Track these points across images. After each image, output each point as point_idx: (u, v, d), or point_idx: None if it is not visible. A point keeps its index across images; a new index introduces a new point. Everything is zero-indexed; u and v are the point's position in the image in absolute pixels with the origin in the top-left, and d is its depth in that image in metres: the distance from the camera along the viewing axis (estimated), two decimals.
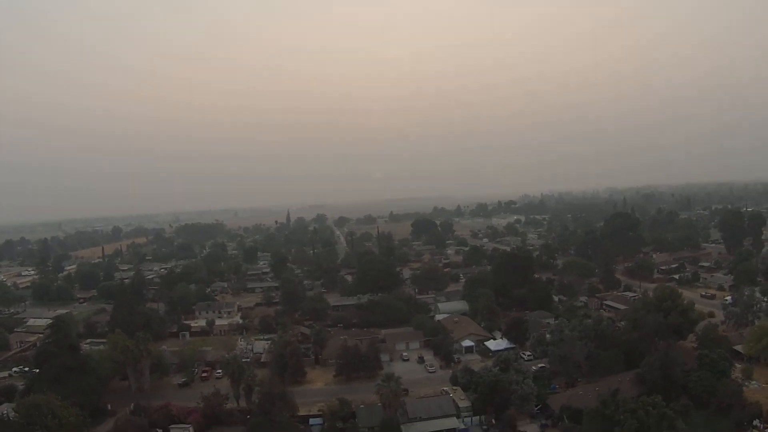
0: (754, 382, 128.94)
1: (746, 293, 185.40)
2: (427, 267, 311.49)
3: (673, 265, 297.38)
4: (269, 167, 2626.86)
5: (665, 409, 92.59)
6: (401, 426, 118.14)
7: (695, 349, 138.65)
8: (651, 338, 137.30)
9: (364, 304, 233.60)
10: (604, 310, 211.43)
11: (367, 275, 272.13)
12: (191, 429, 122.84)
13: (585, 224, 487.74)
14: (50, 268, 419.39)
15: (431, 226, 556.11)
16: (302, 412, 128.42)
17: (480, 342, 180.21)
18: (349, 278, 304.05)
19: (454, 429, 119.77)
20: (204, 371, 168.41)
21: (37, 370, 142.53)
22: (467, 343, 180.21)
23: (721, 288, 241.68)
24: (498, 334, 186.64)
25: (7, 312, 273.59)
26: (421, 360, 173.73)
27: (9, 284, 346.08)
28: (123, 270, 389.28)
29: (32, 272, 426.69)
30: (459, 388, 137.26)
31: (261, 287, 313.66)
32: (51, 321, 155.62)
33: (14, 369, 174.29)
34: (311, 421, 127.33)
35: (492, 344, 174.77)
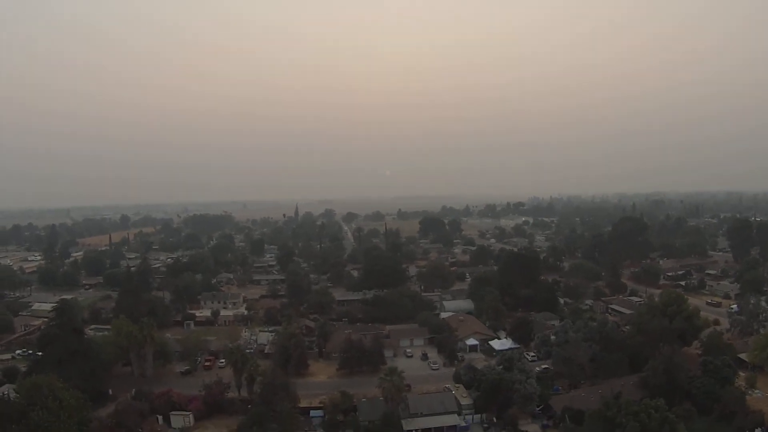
0: (757, 390, 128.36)
1: (752, 302, 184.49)
2: (434, 265, 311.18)
3: (680, 272, 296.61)
4: (279, 160, 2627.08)
5: (668, 412, 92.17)
6: (402, 421, 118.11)
7: (699, 356, 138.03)
8: (655, 343, 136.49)
9: (369, 300, 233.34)
10: (610, 313, 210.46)
11: (373, 270, 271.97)
12: (192, 416, 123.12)
13: (593, 228, 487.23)
14: (57, 254, 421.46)
15: (439, 225, 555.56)
16: (304, 404, 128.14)
17: (484, 341, 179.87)
18: (355, 273, 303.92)
19: (455, 426, 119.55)
20: (207, 360, 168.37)
21: (41, 353, 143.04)
22: (471, 341, 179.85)
23: (727, 296, 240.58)
24: (503, 333, 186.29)
25: (12, 296, 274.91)
26: (424, 357, 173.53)
27: (15, 268, 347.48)
28: (130, 258, 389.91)
29: (39, 257, 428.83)
30: (461, 386, 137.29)
31: (267, 280, 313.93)
32: (55, 304, 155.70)
33: (18, 352, 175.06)
34: (312, 413, 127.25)
35: (496, 344, 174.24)
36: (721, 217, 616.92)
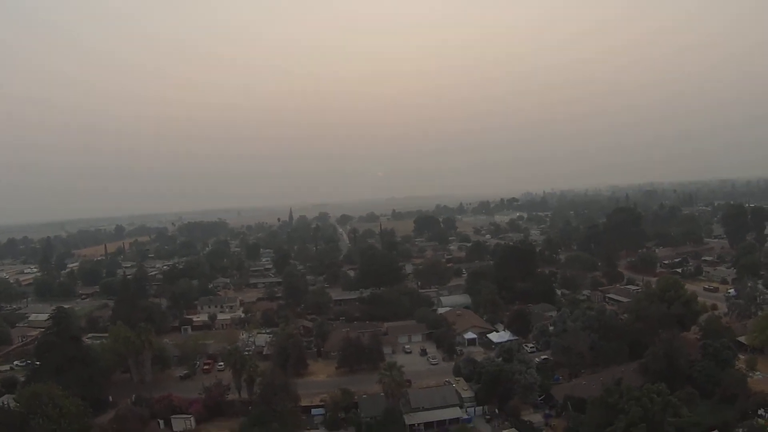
0: (758, 372, 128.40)
1: (749, 285, 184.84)
2: (430, 261, 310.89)
3: (676, 260, 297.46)
4: (271, 166, 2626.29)
5: (670, 396, 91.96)
6: (404, 416, 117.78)
7: (698, 340, 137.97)
8: (654, 329, 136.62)
9: (366, 298, 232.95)
10: (607, 303, 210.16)
11: (369, 269, 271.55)
12: (192, 419, 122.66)
13: (587, 220, 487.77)
14: (53, 266, 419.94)
15: (434, 223, 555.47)
16: (304, 403, 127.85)
17: (482, 334, 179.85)
18: (351, 274, 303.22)
19: (458, 419, 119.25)
20: (206, 364, 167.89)
21: (39, 362, 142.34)
22: (470, 335, 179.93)
23: (724, 281, 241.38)
24: (501, 326, 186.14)
25: (9, 308, 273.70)
26: (423, 352, 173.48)
27: (11, 281, 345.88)
28: (126, 267, 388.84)
29: (35, 270, 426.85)
30: (461, 379, 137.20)
31: (263, 283, 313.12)
32: (52, 312, 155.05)
33: (16, 362, 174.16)
34: (313, 411, 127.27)
35: (495, 336, 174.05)
36: (715, 204, 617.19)
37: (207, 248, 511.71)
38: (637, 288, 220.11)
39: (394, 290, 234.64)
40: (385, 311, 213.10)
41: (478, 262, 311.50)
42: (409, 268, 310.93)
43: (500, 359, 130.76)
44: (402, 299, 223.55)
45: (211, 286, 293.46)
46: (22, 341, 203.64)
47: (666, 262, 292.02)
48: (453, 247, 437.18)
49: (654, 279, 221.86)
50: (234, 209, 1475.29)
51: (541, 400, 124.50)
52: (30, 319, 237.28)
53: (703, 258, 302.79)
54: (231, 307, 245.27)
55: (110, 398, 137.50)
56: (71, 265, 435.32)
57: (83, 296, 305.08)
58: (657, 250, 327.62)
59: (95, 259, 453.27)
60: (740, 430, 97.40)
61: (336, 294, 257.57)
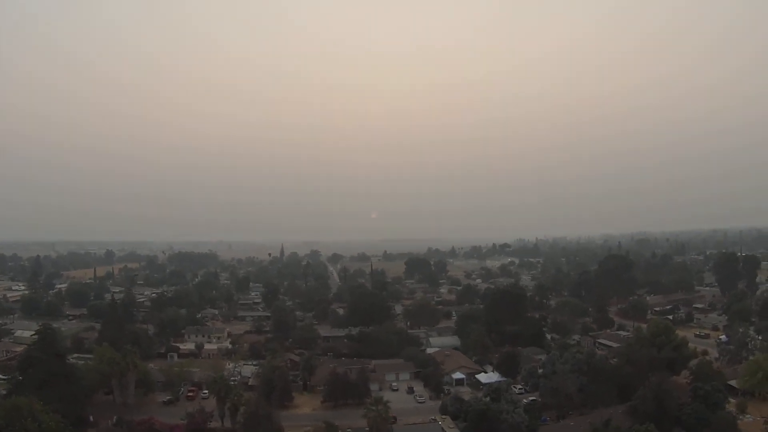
0: (748, 415, 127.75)
1: (740, 330, 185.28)
2: (420, 302, 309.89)
3: (667, 306, 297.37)
4: (264, 201, 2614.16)
5: None
6: None
7: (689, 384, 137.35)
8: (644, 372, 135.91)
9: (355, 335, 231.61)
10: (598, 348, 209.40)
11: (358, 307, 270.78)
12: None
13: (579, 267, 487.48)
14: (41, 284, 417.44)
15: (425, 266, 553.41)
16: None
17: (471, 375, 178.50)
18: (340, 311, 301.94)
19: None
20: (190, 391, 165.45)
21: (21, 377, 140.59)
22: (458, 375, 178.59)
23: (715, 328, 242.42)
24: (489, 368, 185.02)
25: None
26: (410, 390, 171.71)
27: None
28: (114, 292, 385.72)
29: (22, 287, 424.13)
30: (448, 417, 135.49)
31: (252, 316, 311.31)
32: (38, 328, 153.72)
33: None
34: None
35: (483, 377, 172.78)
36: (707, 253, 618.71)
37: (196, 279, 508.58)
38: (628, 333, 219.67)
39: (382, 329, 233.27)
40: (373, 349, 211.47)
41: (468, 305, 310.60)
42: (398, 309, 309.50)
43: (488, 398, 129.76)
44: (390, 338, 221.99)
45: (199, 316, 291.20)
46: (6, 356, 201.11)
47: (657, 309, 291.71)
48: (443, 290, 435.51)
49: (645, 326, 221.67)
50: (225, 242, 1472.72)
51: None
52: (15, 335, 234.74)
53: (694, 305, 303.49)
54: (218, 338, 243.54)
55: (91, 418, 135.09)
56: (59, 286, 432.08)
57: (70, 317, 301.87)
58: (648, 298, 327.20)
59: (84, 282, 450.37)
60: None
61: (324, 331, 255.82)
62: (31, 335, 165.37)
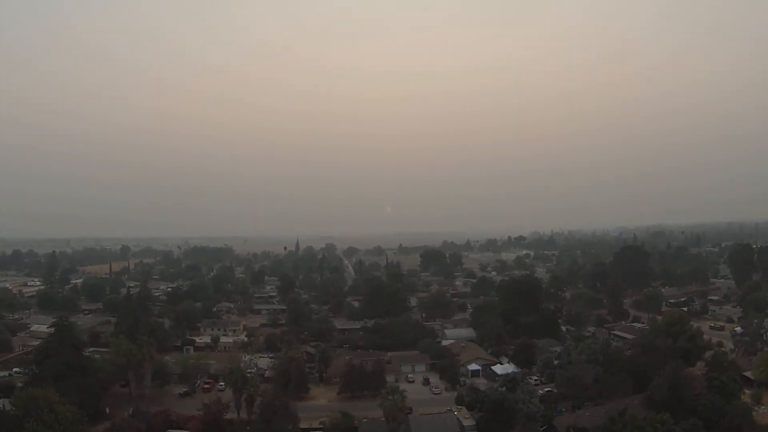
0: (764, 406, 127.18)
1: (755, 321, 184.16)
2: (435, 294, 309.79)
3: (682, 299, 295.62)
4: (280, 194, 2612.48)
5: (674, 426, 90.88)
6: None
7: (704, 375, 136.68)
8: (660, 362, 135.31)
9: (370, 327, 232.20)
10: (612, 339, 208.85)
11: (374, 300, 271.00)
12: None
13: (594, 259, 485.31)
14: (56, 280, 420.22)
15: (440, 258, 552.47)
16: (304, 425, 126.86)
17: (486, 366, 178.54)
18: (356, 304, 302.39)
19: None
20: (206, 383, 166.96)
21: (38, 369, 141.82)
22: (473, 366, 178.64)
23: (730, 320, 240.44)
24: (505, 359, 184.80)
25: (11, 317, 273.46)
26: (426, 382, 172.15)
27: (15, 292, 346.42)
28: (130, 286, 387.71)
29: (38, 283, 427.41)
30: (464, 408, 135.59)
31: (267, 309, 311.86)
32: (54, 320, 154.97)
33: (15, 369, 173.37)
34: None
35: (499, 368, 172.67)
36: (723, 245, 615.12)
37: (212, 273, 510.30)
38: (643, 325, 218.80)
39: (398, 321, 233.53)
40: (388, 341, 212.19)
41: (483, 298, 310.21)
42: (413, 302, 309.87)
43: (503, 389, 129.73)
44: (406, 330, 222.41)
45: (214, 309, 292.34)
46: (23, 350, 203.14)
47: (672, 300, 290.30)
48: (458, 282, 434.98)
49: (660, 317, 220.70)
50: (240, 237, 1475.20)
51: (543, 430, 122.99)
52: (31, 329, 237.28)
53: (709, 297, 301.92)
54: (234, 331, 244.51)
55: (107, 410, 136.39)
56: (75, 281, 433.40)
57: (86, 312, 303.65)
58: (663, 290, 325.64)
59: (99, 277, 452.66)
60: None
61: (340, 323, 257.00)
62: (48, 327, 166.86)
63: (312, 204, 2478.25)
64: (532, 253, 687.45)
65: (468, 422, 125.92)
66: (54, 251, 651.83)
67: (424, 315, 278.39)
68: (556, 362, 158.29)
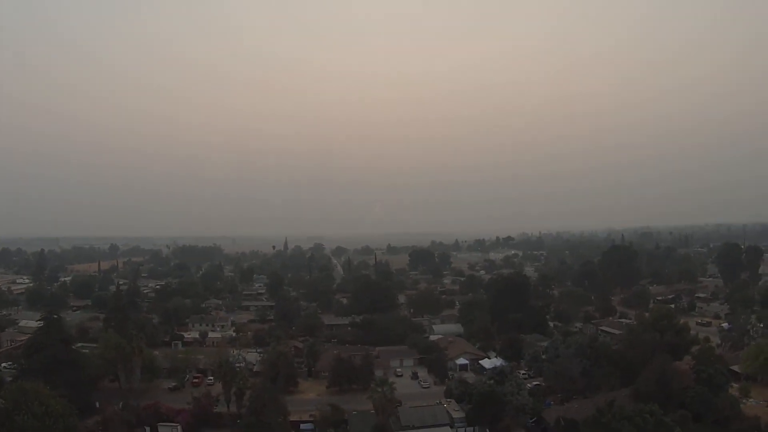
0: (751, 399, 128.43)
1: (743, 317, 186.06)
2: (423, 291, 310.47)
3: (670, 296, 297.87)
4: (268, 195, 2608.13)
5: (663, 417, 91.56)
6: None
7: (691, 369, 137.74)
8: (647, 356, 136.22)
9: (358, 323, 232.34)
10: (600, 335, 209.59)
11: (362, 296, 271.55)
12: (179, 428, 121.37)
13: (582, 259, 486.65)
14: (45, 277, 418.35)
15: (429, 258, 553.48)
16: (293, 418, 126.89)
17: (474, 361, 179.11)
18: (344, 301, 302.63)
19: None
20: (195, 377, 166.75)
21: (27, 363, 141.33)
22: (462, 361, 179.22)
23: (716, 316, 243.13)
24: (493, 354, 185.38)
25: None
26: (414, 376, 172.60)
27: (3, 289, 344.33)
28: (120, 283, 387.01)
29: (27, 280, 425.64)
30: (453, 400, 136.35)
31: (256, 306, 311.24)
32: (43, 314, 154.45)
33: (3, 365, 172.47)
34: (302, 426, 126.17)
35: (487, 363, 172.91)
36: (711, 246, 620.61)
37: (201, 271, 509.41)
38: (630, 321, 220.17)
39: (387, 316, 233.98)
40: (377, 336, 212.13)
41: (472, 295, 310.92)
42: (402, 299, 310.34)
43: (492, 381, 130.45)
44: (394, 325, 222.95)
45: (203, 306, 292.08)
46: (11, 345, 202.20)
47: (659, 298, 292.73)
48: (447, 281, 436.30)
49: (647, 314, 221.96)
50: (229, 236, 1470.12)
51: (532, 422, 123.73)
52: (20, 324, 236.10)
53: (696, 295, 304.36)
54: (222, 327, 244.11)
55: (97, 404, 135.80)
56: (64, 279, 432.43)
57: (74, 308, 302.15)
58: (651, 288, 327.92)
59: (89, 274, 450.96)
60: None
61: (328, 320, 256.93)
62: (36, 321, 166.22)
63: (300, 205, 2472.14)
64: (520, 253, 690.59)
65: (457, 414, 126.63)
66: (43, 250, 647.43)
67: (412, 311, 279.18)
68: (544, 356, 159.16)
